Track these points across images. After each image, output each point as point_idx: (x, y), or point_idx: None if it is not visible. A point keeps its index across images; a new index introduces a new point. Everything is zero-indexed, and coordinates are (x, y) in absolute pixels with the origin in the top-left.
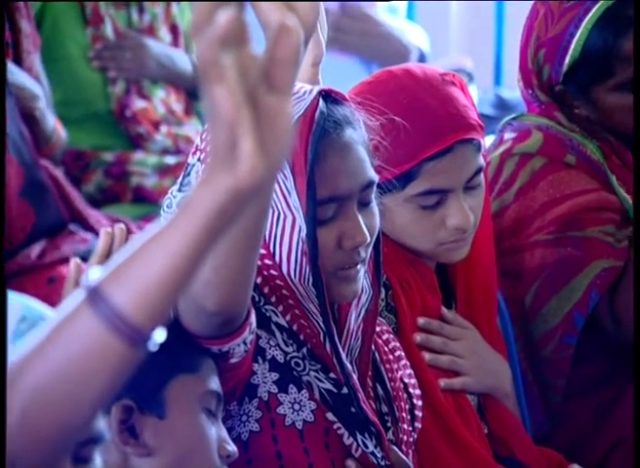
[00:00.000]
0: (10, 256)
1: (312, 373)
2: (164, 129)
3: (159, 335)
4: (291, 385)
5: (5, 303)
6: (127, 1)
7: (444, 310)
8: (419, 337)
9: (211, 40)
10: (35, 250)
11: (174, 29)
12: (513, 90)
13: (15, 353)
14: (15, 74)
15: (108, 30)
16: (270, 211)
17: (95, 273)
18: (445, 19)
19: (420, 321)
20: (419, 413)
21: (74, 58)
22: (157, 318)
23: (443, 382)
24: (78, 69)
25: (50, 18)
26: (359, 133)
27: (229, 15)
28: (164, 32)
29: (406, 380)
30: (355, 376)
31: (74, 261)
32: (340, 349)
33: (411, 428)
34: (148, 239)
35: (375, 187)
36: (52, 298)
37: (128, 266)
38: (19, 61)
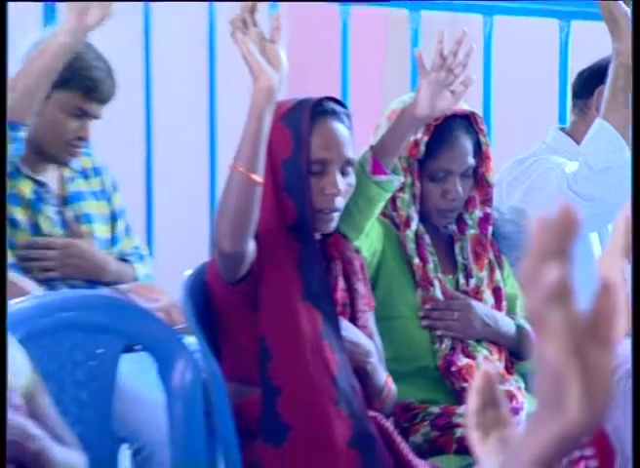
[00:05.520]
0: None
1: None
2: None
3: None
4: None
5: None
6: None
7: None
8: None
9: (541, 295)
10: None
11: (496, 292)
12: None
13: None
14: (350, 331)
15: (438, 292)
16: None
17: None
18: None
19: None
20: None
21: (405, 317)
22: None
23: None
24: (408, 328)
25: (384, 281)
26: None
27: (558, 272)
28: (488, 295)
29: None
30: None
31: None
32: None
33: None
34: None
35: None
36: None
37: None
38: (354, 320)
